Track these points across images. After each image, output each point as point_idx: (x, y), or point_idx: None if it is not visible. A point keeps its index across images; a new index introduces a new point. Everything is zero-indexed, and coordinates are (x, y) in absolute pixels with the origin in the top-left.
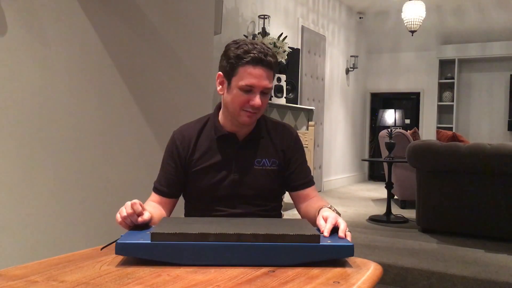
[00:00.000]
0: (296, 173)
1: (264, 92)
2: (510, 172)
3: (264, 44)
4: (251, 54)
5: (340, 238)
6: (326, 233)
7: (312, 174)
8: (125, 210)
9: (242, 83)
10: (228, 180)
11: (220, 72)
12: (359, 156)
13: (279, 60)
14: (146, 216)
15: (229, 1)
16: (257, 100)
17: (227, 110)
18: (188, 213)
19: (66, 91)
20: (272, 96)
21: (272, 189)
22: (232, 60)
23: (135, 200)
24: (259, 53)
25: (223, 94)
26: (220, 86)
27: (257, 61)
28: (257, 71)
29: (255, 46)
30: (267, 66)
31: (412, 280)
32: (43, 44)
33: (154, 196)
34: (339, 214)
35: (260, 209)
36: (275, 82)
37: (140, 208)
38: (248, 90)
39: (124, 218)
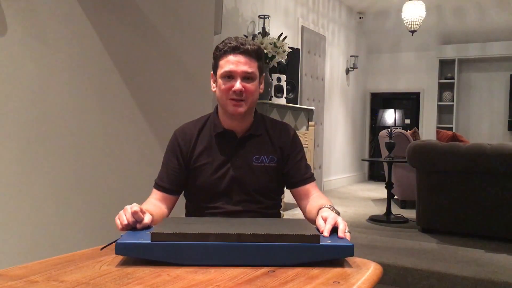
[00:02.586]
0: (294, 170)
1: (247, 78)
2: (510, 172)
3: (250, 40)
4: (229, 45)
5: (340, 238)
6: (326, 233)
7: (312, 172)
8: (125, 218)
9: (223, 70)
10: (227, 176)
11: (212, 72)
12: (359, 156)
13: (278, 60)
14: (146, 219)
15: (229, 1)
16: (237, 85)
17: (220, 105)
18: (188, 212)
19: (66, 91)
20: (272, 96)
21: (271, 186)
22: (215, 55)
23: (135, 208)
24: (236, 43)
25: (215, 91)
26: (213, 85)
27: (233, 49)
28: (235, 58)
29: (236, 38)
30: (244, 53)
31: (412, 280)
32: (43, 44)
33: (155, 193)
34: (339, 214)
35: (259, 206)
36: (275, 82)
37: (141, 217)
38: (229, 76)
39: (125, 226)
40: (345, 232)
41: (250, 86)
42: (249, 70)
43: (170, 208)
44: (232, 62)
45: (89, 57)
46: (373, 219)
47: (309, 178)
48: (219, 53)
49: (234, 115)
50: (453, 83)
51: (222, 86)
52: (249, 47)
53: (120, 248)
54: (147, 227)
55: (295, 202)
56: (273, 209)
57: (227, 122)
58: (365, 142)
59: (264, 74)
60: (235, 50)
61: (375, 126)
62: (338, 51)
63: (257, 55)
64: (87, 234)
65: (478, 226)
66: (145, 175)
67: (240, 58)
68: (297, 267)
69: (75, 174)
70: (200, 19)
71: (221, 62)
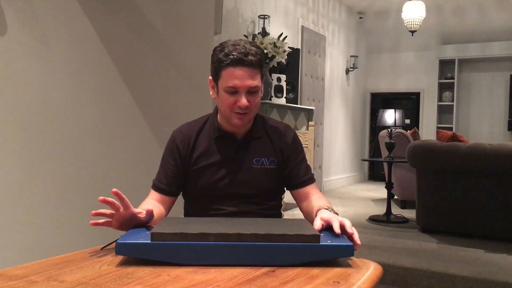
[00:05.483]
0: (295, 172)
1: (251, 91)
2: (510, 172)
3: (250, 42)
4: (231, 56)
5: (350, 234)
6: (337, 230)
7: (312, 173)
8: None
9: (226, 85)
10: (227, 179)
11: (210, 77)
12: (359, 156)
13: (278, 60)
14: (144, 213)
15: (229, 1)
16: (243, 101)
17: (222, 115)
18: (187, 213)
19: (66, 91)
20: (272, 96)
21: (271, 188)
22: (216, 64)
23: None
24: (239, 54)
25: (215, 98)
26: (212, 91)
27: (237, 62)
28: (239, 72)
29: (236, 47)
30: (248, 65)
31: (412, 280)
32: (43, 44)
33: (153, 194)
34: (337, 215)
35: (259, 207)
36: (275, 82)
37: (122, 195)
38: (233, 91)
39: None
40: (351, 227)
41: (254, 98)
42: (254, 83)
43: (168, 209)
44: (237, 77)
45: (89, 57)
46: (373, 219)
47: (309, 180)
48: (220, 64)
49: (238, 126)
50: (453, 83)
51: (226, 100)
52: (252, 58)
53: (120, 248)
54: (147, 226)
55: (295, 202)
56: (274, 210)
57: (228, 126)
58: (365, 142)
59: (264, 76)
60: (239, 63)
61: (375, 126)
62: (338, 51)
63: (259, 64)
64: (87, 234)
65: (478, 226)
66: (145, 175)
67: (244, 71)
68: (297, 267)
69: (75, 174)
70: (200, 19)
71: (224, 74)
